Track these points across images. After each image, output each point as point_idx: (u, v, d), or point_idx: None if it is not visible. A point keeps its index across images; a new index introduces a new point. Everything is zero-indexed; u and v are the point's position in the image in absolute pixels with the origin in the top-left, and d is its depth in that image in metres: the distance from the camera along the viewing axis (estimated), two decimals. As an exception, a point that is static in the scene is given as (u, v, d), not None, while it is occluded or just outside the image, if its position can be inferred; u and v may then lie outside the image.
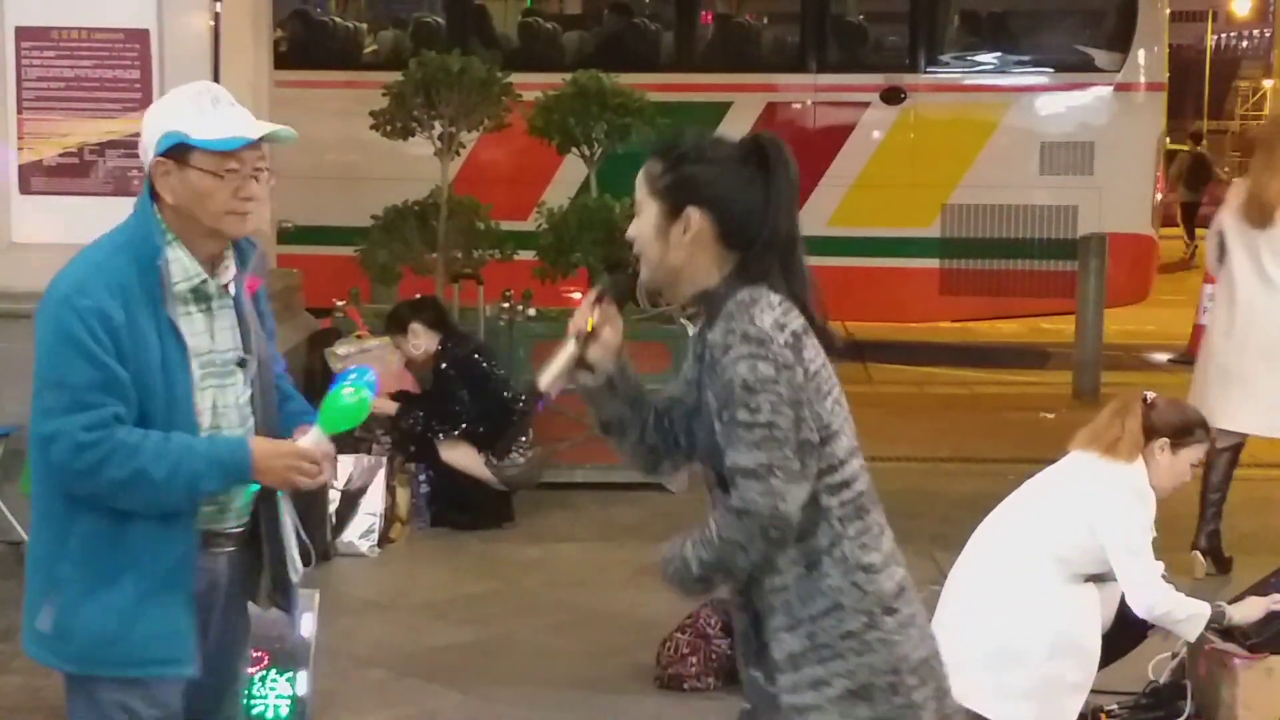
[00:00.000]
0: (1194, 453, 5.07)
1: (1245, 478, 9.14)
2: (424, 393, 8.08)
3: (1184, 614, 4.90)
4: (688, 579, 2.98)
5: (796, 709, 2.98)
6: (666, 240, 2.99)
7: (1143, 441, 4.96)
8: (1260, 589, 5.26)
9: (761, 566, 2.94)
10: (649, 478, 3.04)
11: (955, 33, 14.12)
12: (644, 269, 3.02)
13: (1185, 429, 5.04)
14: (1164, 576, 5.02)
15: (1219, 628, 5.00)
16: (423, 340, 8.01)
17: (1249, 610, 5.04)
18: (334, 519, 7.28)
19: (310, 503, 7.00)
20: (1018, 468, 5.85)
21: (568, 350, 3.03)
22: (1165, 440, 4.99)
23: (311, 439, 3.36)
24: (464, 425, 7.82)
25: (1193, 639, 5.05)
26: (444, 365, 7.92)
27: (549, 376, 3.03)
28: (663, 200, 3.00)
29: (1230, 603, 5.14)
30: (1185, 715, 5.14)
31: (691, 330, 3.13)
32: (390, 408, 7.83)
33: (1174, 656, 5.28)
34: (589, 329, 3.01)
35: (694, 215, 2.98)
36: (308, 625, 5.10)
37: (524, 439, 7.96)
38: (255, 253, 3.49)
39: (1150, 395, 5.09)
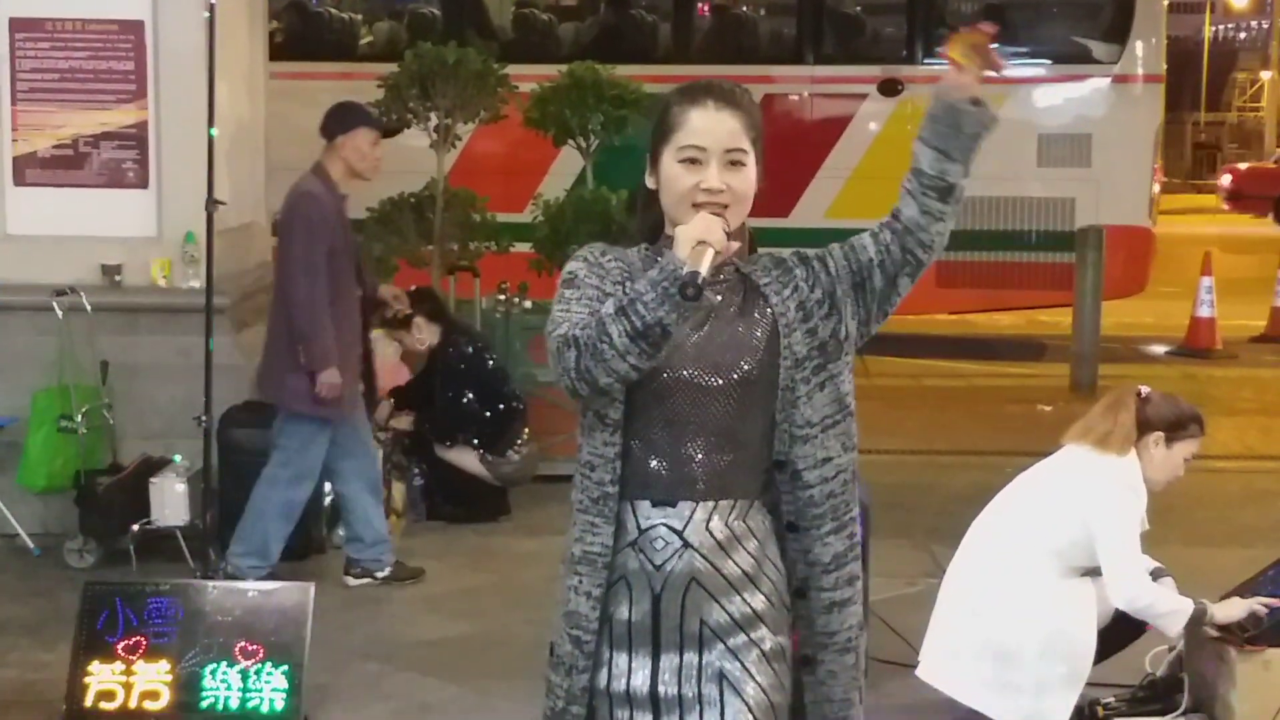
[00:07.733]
0: (1188, 447, 5.06)
1: (1243, 470, 9.18)
2: (427, 393, 8.05)
3: (1165, 609, 4.89)
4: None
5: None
6: (750, 197, 2.88)
7: (1135, 435, 4.96)
8: (1247, 587, 5.25)
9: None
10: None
11: (952, 24, 14.09)
12: (734, 220, 2.80)
13: (1179, 423, 5.03)
14: (1158, 570, 5.03)
15: (1199, 625, 4.98)
16: (426, 334, 7.97)
17: (1231, 610, 5.01)
18: (330, 512, 7.26)
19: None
20: (1015, 460, 5.83)
21: (709, 256, 2.66)
22: (1159, 434, 4.98)
23: None
24: (467, 431, 7.82)
25: (1173, 635, 5.03)
26: (451, 355, 7.88)
27: (706, 267, 2.65)
28: (757, 154, 2.89)
29: (1219, 599, 5.13)
30: (1182, 708, 5.13)
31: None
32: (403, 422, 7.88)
33: (1171, 650, 5.26)
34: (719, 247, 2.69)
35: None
36: (303, 618, 5.09)
37: (521, 436, 7.94)
38: None
39: (1145, 389, 5.08)
